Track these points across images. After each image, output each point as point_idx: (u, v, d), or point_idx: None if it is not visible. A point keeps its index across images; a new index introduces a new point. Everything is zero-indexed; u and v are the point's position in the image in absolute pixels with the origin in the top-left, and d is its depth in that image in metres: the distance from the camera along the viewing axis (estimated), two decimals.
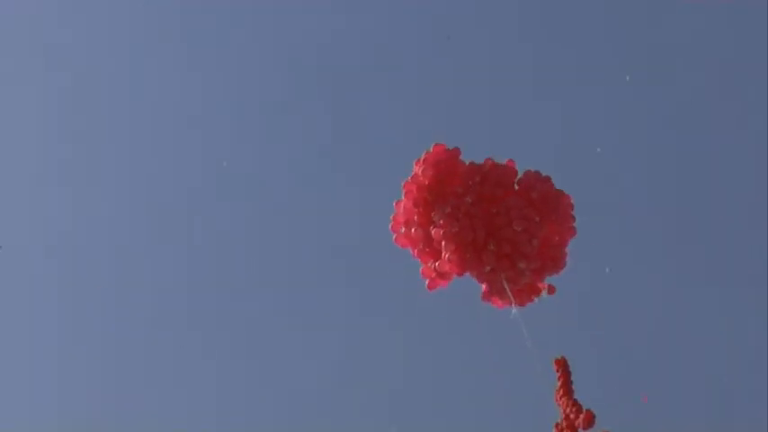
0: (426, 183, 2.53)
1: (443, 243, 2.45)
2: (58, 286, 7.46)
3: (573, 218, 2.59)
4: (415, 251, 2.53)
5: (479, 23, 6.82)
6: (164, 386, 7.25)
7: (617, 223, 6.75)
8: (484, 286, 2.53)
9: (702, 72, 6.88)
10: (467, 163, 2.58)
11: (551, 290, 2.57)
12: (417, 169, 2.51)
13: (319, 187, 7.07)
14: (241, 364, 7.12)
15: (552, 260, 2.55)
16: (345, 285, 7.01)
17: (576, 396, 2.48)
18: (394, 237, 2.54)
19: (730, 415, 6.57)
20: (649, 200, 6.82)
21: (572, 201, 2.59)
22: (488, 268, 2.46)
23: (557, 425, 2.48)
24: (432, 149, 2.55)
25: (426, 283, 2.55)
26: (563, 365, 2.53)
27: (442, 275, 2.52)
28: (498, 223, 2.44)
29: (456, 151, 2.55)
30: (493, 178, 2.52)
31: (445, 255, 2.47)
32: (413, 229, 2.48)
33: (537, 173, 2.59)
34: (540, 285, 2.59)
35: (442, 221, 2.43)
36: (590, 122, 6.89)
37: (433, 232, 2.49)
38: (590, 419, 2.42)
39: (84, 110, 7.54)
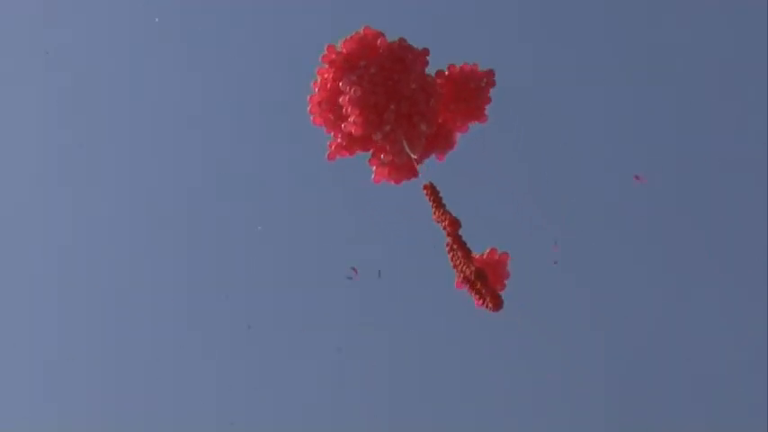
0: (344, 51, 2.82)
1: (349, 108, 2.74)
2: (57, 286, 7.46)
3: (485, 100, 2.90)
4: (327, 124, 2.86)
5: (480, 25, 6.83)
6: (162, 386, 7.25)
7: (616, 222, 6.76)
8: (375, 164, 2.86)
9: (703, 72, 6.88)
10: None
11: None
12: (340, 41, 2.88)
13: (319, 187, 7.08)
14: (239, 364, 7.12)
15: (445, 138, 2.88)
16: (344, 285, 7.02)
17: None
18: (311, 118, 2.88)
19: (730, 415, 6.58)
20: (649, 199, 6.82)
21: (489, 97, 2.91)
22: (388, 127, 2.74)
23: (447, 243, 2.79)
24: (361, 30, 2.93)
25: (328, 153, 2.91)
26: (430, 188, 2.84)
27: (344, 147, 2.86)
28: (399, 88, 2.75)
29: (378, 32, 2.91)
30: (397, 54, 2.85)
31: (350, 118, 2.75)
32: (326, 93, 2.84)
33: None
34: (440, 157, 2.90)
35: (347, 88, 2.72)
36: (588, 119, 6.90)
37: (340, 100, 2.76)
38: (455, 222, 2.78)
39: (83, 110, 7.54)
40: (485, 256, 2.93)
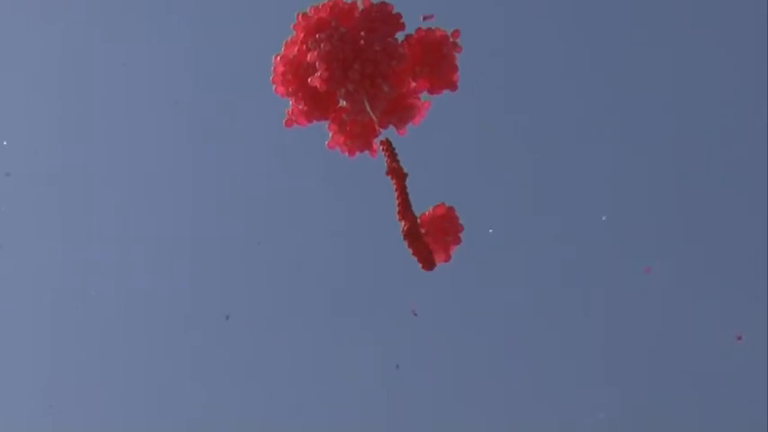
0: (314, 17, 2.86)
1: (317, 63, 2.78)
2: (59, 286, 7.50)
3: (452, 67, 2.89)
4: (288, 93, 2.86)
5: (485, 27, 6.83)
6: (159, 387, 7.28)
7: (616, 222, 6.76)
8: (333, 129, 2.88)
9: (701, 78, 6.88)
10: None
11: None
12: (311, 8, 2.90)
13: (317, 186, 7.10)
14: (238, 364, 7.15)
15: (407, 108, 2.90)
16: (342, 286, 7.03)
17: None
18: (274, 88, 2.89)
19: (730, 415, 6.58)
20: (648, 198, 6.82)
21: (455, 60, 2.90)
22: (352, 87, 2.79)
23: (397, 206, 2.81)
24: None
25: (285, 120, 2.92)
26: (387, 143, 2.86)
27: (303, 112, 2.87)
28: (365, 48, 2.83)
29: (353, 3, 2.94)
30: (368, 16, 2.88)
31: (317, 74, 2.79)
32: (291, 61, 2.88)
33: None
34: (397, 125, 2.89)
35: (317, 45, 2.81)
36: (584, 117, 6.91)
37: (308, 57, 2.81)
38: (397, 171, 2.78)
39: (81, 109, 7.56)
40: (430, 211, 2.91)
